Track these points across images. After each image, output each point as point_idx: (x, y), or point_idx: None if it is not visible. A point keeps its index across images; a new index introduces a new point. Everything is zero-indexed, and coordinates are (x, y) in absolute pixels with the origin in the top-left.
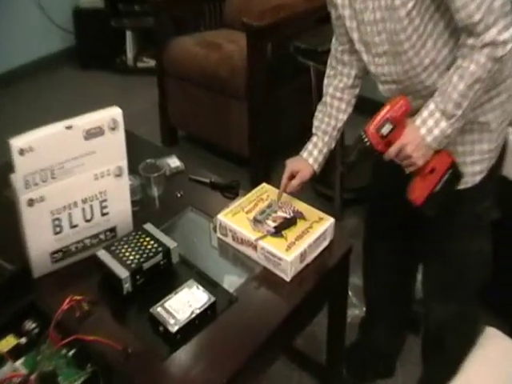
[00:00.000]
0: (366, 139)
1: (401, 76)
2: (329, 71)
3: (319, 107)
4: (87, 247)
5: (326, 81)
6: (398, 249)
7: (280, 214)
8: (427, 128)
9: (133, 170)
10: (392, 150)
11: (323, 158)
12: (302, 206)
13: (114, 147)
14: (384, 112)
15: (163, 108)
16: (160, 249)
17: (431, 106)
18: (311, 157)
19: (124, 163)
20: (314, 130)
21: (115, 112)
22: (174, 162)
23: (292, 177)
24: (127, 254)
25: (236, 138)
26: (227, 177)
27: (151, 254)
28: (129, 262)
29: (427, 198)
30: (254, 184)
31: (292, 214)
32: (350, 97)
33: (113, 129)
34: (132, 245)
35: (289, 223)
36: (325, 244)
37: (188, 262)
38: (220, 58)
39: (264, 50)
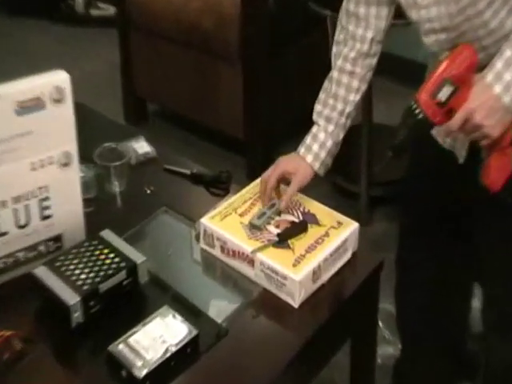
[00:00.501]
0: (417, 110)
1: (454, 18)
2: (338, 35)
3: (324, 85)
4: (21, 263)
5: (334, 49)
6: (445, 262)
7: (285, 217)
8: (504, 84)
9: (85, 157)
10: (455, 121)
11: (328, 155)
12: (315, 207)
13: (59, 126)
14: (441, 69)
15: (127, 72)
16: (123, 264)
17: (507, 53)
18: (310, 153)
19: (73, 148)
20: (314, 117)
21: (60, 77)
22: (141, 146)
23: (283, 181)
24: (77, 271)
25: (227, 114)
26: (215, 167)
27: (111, 272)
28: (80, 283)
29: (507, 181)
30: (251, 176)
31: (301, 218)
32: (365, 70)
33: (57, 101)
34: (84, 259)
35: (297, 230)
36: (346, 258)
37: (161, 283)
38: (204, 3)
39: None
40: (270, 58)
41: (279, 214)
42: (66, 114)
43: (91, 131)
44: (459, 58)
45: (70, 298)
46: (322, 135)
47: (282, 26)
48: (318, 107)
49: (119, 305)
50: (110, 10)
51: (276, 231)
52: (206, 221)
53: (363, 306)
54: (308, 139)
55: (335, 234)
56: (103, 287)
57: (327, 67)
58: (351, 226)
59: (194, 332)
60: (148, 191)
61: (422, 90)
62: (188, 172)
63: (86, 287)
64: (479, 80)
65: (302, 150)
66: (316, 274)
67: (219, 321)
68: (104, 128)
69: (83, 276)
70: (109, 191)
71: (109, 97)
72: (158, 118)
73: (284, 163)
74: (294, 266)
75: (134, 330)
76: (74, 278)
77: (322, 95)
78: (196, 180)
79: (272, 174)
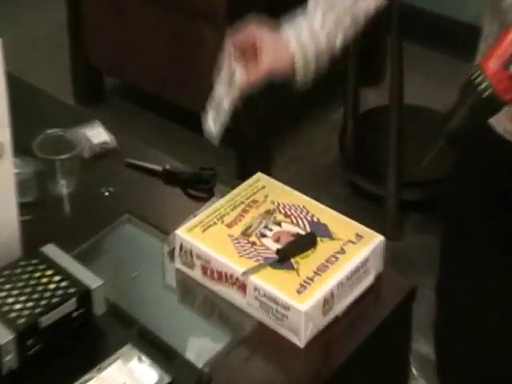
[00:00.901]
0: (484, 84)
1: None
2: None
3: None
4: None
5: None
6: (503, 289)
7: (287, 227)
8: None
9: (22, 148)
10: None
11: (317, 50)
12: (328, 215)
13: None
14: None
15: (77, 37)
16: (72, 290)
17: None
18: (296, 39)
19: (5, 136)
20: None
21: None
22: (97, 133)
23: (251, 51)
24: (10, 300)
25: (209, 91)
26: (194, 161)
27: (55, 301)
28: (13, 316)
29: None
30: (242, 174)
31: (309, 229)
32: None
33: None
34: (20, 284)
35: (303, 245)
36: (367, 282)
37: (123, 314)
38: None
39: None
40: (267, 18)
41: (279, 223)
42: None
43: (30, 114)
44: None
45: (1, 335)
46: (318, 15)
47: None
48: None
49: (67, 344)
50: None
51: (275, 246)
52: (182, 233)
53: (390, 346)
54: (301, 20)
55: (353, 251)
56: (45, 321)
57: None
58: (374, 240)
59: (167, 379)
60: (106, 193)
61: (489, 57)
62: (159, 168)
63: (21, 321)
64: None
65: (287, 28)
66: (328, 303)
67: (200, 365)
68: (47, 109)
69: (18, 306)
70: (53, 193)
71: (54, 68)
72: (119, 97)
73: (256, 30)
74: (299, 292)
75: (87, 377)
76: (5, 308)
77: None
78: (169, 179)
79: (236, 38)
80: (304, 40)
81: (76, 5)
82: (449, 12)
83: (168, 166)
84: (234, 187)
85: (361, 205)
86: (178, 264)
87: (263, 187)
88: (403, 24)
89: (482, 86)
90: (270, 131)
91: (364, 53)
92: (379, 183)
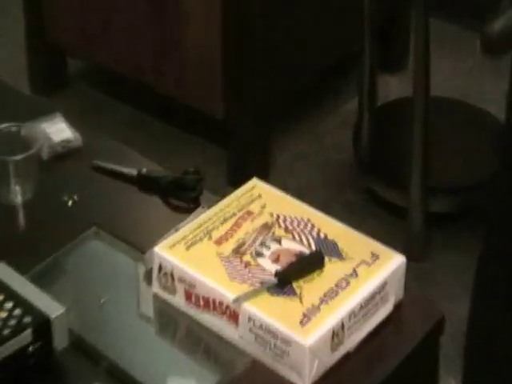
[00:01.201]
0: None
1: None
2: None
3: None
4: None
5: None
6: None
7: (289, 244)
8: None
9: None
10: None
11: None
12: (337, 230)
13: None
14: None
15: (35, 10)
16: (27, 320)
17: None
18: None
19: None
20: None
21: None
22: (59, 129)
23: None
24: None
25: (196, 77)
26: (177, 163)
27: (8, 332)
28: None
29: None
30: (235, 178)
31: (314, 247)
32: None
33: None
34: None
35: (307, 266)
36: (385, 312)
37: (90, 349)
38: None
39: None
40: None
41: (279, 239)
42: None
43: None
44: None
45: None
46: None
47: None
48: None
49: None
50: None
51: (274, 268)
52: (162, 251)
53: None
54: None
55: (368, 274)
56: None
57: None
58: (394, 261)
59: None
60: (69, 202)
61: None
62: (133, 172)
63: None
64: None
65: None
66: (337, 337)
67: None
68: None
69: None
70: (6, 201)
71: (6, 48)
72: (85, 83)
73: None
74: (303, 324)
75: None
76: None
77: None
78: (146, 185)
79: None
80: None
81: None
82: None
83: (144, 170)
84: (224, 195)
85: (378, 216)
86: (156, 288)
87: (259, 196)
88: None
89: None
90: (269, 124)
91: (383, 30)
92: (401, 191)
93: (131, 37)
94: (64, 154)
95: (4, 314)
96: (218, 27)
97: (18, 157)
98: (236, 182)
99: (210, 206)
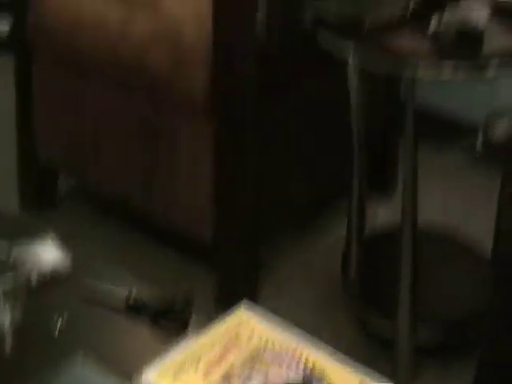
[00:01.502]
0: None
1: None
2: None
3: None
4: None
5: None
6: None
7: (276, 373)
8: None
9: None
10: None
11: None
12: (326, 359)
13: None
14: None
15: (26, 128)
16: None
17: None
18: None
19: None
20: None
21: None
22: (50, 252)
23: None
24: None
25: (185, 201)
26: (165, 283)
27: None
28: None
29: None
30: (224, 300)
31: (302, 378)
32: None
33: None
34: None
35: None
36: None
37: None
38: (154, 26)
39: (251, 13)
40: (254, 112)
41: (266, 370)
42: None
43: None
44: None
45: None
46: None
47: (275, 64)
48: None
49: None
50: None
51: None
52: (149, 378)
53: None
54: None
55: None
56: None
57: (344, 125)
58: None
59: None
60: (56, 326)
61: None
62: (123, 293)
63: None
64: None
65: None
66: None
67: None
68: None
69: None
70: None
71: None
72: (74, 203)
73: None
74: None
75: None
76: None
77: None
78: (135, 307)
79: None
80: None
81: (25, 87)
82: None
83: (134, 292)
84: (212, 318)
85: (367, 344)
86: None
87: (248, 322)
88: (420, 123)
89: None
90: (258, 249)
91: (372, 157)
92: (390, 321)
93: (120, 158)
94: (53, 278)
95: None
96: (208, 150)
97: (8, 281)
98: (225, 303)
99: (198, 330)
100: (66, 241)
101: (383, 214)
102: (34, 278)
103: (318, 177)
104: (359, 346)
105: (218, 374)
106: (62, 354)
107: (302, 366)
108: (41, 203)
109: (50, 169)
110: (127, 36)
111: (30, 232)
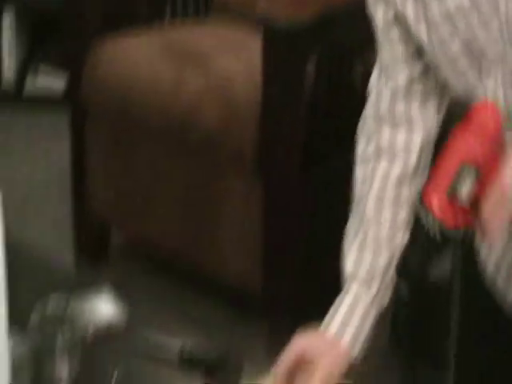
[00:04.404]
0: (429, 219)
1: None
2: (363, 150)
3: (350, 230)
4: None
5: (358, 172)
6: None
7: None
8: None
9: (17, 322)
10: (486, 211)
11: (370, 330)
12: None
13: None
14: (455, 150)
15: (80, 182)
16: None
17: None
18: (346, 333)
19: (1, 310)
20: (346, 276)
21: None
22: (105, 305)
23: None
24: None
25: (235, 257)
26: (217, 339)
27: None
28: None
29: None
30: (275, 351)
31: None
32: (414, 190)
33: None
34: None
35: None
36: None
37: None
38: (206, 85)
39: (301, 71)
40: (301, 171)
41: None
42: None
43: (26, 279)
44: (480, 122)
45: None
46: (362, 304)
47: (326, 124)
48: (348, 265)
49: None
50: (55, 86)
51: None
52: None
53: None
54: (341, 310)
55: None
56: None
57: None
58: None
59: None
60: (112, 380)
61: (430, 190)
62: (176, 346)
63: None
64: None
65: (333, 327)
66: None
67: None
68: (46, 275)
69: None
70: (51, 377)
71: (52, 221)
72: (125, 259)
73: (303, 342)
74: None
75: None
76: None
77: (351, 244)
78: (188, 360)
79: (284, 359)
80: (354, 328)
81: (79, 147)
82: None
83: (188, 347)
84: (265, 370)
85: None
86: None
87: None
88: None
89: (429, 221)
90: (305, 301)
91: None
92: (442, 371)
93: (170, 215)
94: (109, 330)
95: None
96: (257, 207)
97: (66, 333)
98: (276, 345)
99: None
100: (121, 294)
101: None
102: (90, 331)
103: None
104: None
105: None
106: None
107: None
108: (95, 256)
109: (103, 222)
110: (179, 95)
111: (85, 285)
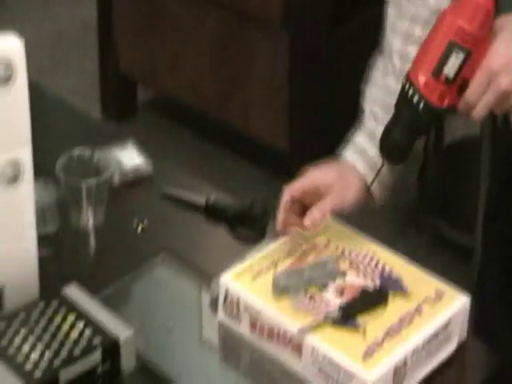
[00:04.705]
0: (414, 97)
1: None
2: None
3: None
4: None
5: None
6: None
7: (353, 278)
8: None
9: (43, 169)
10: (471, 92)
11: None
12: (402, 266)
13: (6, 119)
14: (443, 30)
15: (106, 39)
16: (97, 340)
17: None
18: (362, 158)
19: (25, 155)
20: (365, 105)
21: (8, 45)
22: (130, 156)
23: (314, 198)
24: (26, 348)
25: (262, 111)
26: (243, 193)
27: (78, 352)
28: (29, 368)
29: None
30: None
31: (379, 283)
32: None
33: (6, 80)
34: (37, 330)
35: (371, 301)
36: (447, 351)
37: (157, 373)
38: None
39: None
40: (331, 26)
41: (344, 273)
42: (17, 101)
43: (52, 128)
44: (471, 5)
45: None
46: (378, 136)
47: None
48: (370, 91)
49: None
50: None
51: (338, 301)
52: (228, 280)
53: None
54: (359, 137)
55: (432, 312)
56: (66, 375)
57: None
58: (458, 300)
59: None
60: (138, 228)
61: (418, 66)
62: (201, 201)
63: (38, 374)
64: (504, 27)
65: (349, 152)
66: (399, 373)
67: None
68: (73, 124)
69: (35, 356)
70: (77, 225)
71: (79, 74)
72: (154, 113)
73: (316, 174)
74: (365, 358)
75: None
76: (20, 358)
77: (371, 87)
78: (214, 214)
79: (294, 186)
80: (370, 155)
81: (107, 2)
82: None
83: (212, 199)
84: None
85: (443, 256)
86: (222, 316)
87: (325, 229)
88: None
89: (416, 100)
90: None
91: None
92: (466, 232)
93: (198, 69)
94: (134, 181)
95: (75, 334)
96: (285, 62)
97: (91, 182)
98: None
99: (275, 237)
100: (145, 147)
101: (462, 125)
102: (116, 179)
103: None
104: (433, 257)
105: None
106: (144, 255)
107: (379, 271)
108: (121, 112)
109: (130, 78)
110: None
111: (110, 138)
